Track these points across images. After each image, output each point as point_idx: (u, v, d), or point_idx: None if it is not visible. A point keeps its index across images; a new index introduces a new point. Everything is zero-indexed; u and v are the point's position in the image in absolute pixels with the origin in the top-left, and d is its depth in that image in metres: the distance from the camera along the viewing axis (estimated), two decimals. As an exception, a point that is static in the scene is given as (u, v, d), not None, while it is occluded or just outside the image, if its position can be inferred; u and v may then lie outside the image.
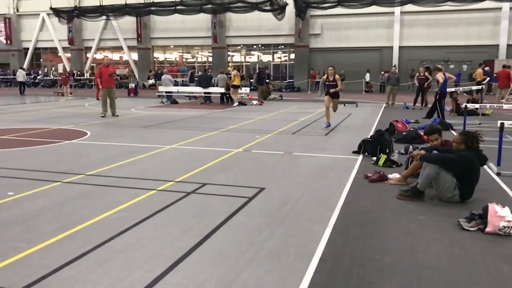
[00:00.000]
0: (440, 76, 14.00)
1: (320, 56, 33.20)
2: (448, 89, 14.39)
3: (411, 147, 7.72)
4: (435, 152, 5.41)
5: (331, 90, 11.55)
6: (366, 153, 7.74)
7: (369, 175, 6.19)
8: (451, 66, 30.44)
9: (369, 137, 8.32)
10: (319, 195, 5.40)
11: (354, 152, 8.00)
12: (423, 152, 5.42)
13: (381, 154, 7.28)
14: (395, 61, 30.68)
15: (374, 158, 7.30)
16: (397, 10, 30.35)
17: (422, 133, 8.69)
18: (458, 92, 16.00)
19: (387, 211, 4.82)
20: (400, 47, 31.50)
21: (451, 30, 30.02)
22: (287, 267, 3.43)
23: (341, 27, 32.40)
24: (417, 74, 19.02)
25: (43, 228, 4.19)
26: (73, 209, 4.79)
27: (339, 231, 4.19)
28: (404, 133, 9.72)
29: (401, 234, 4.14)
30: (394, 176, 6.13)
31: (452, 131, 10.66)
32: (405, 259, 3.59)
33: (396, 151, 7.66)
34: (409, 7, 28.16)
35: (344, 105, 19.05)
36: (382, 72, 29.51)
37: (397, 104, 18.97)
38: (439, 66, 16.93)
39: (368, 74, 30.80)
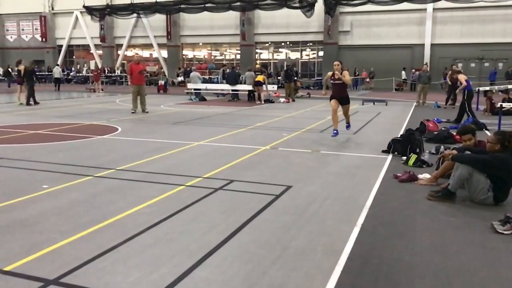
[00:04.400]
0: (462, 78, 13.73)
1: (349, 53, 32.80)
2: (482, 88, 14.00)
3: (442, 147, 7.56)
4: (468, 152, 5.27)
5: (338, 96, 9.25)
6: (396, 153, 7.61)
7: (398, 175, 6.08)
8: (486, 64, 29.57)
9: (399, 136, 8.18)
10: (347, 194, 5.34)
11: (383, 151, 7.88)
12: (455, 152, 5.29)
13: (411, 153, 7.15)
14: (427, 59, 29.99)
15: (404, 158, 7.17)
16: (429, 6, 29.62)
17: (455, 133, 8.49)
18: (494, 91, 15.52)
19: (416, 212, 4.73)
20: (432, 45, 30.76)
21: (487, 26, 29.08)
22: (314, 265, 3.41)
23: (371, 24, 31.91)
24: (450, 72, 18.55)
25: (75, 221, 4.32)
26: (104, 203, 4.91)
27: (367, 230, 4.14)
28: (435, 133, 9.51)
29: (431, 236, 4.05)
30: (425, 176, 6.00)
31: (486, 131, 10.35)
32: (436, 261, 3.52)
33: (427, 151, 7.50)
34: (442, 3, 27.43)
35: (374, 103, 18.81)
36: (413, 70, 28.93)
37: (428, 103, 18.55)
38: (458, 69, 16.79)
39: (403, 72, 30.27)
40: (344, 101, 9.30)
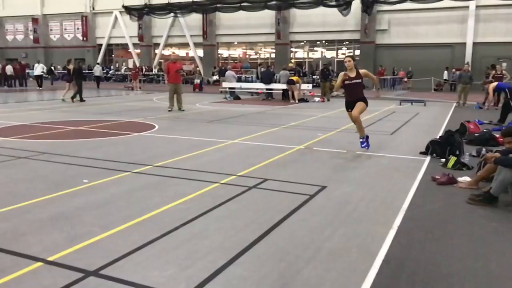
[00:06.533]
0: (491, 88, 13.34)
1: (387, 52, 32.17)
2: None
3: (484, 149, 7.30)
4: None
5: (355, 99, 7.58)
6: (434, 154, 7.41)
7: (437, 177, 5.92)
8: (532, 63, 28.26)
9: (437, 137, 7.96)
10: (383, 196, 5.25)
11: (421, 153, 7.69)
12: (498, 154, 5.09)
13: (451, 155, 6.94)
14: (468, 58, 28.99)
15: (443, 160, 6.97)
16: (472, 4, 28.60)
17: (498, 135, 8.18)
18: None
19: (456, 216, 4.59)
20: (474, 43, 29.69)
21: (534, 24, 27.82)
22: (348, 266, 3.38)
23: (409, 22, 31.16)
24: (493, 72, 17.89)
25: (114, 215, 4.45)
26: (141, 198, 5.03)
27: (404, 233, 4.05)
28: (476, 135, 9.19)
29: (471, 241, 3.93)
30: (465, 179, 5.81)
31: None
32: (476, 267, 3.41)
33: (467, 153, 7.27)
34: (486, 0, 26.45)
35: (411, 103, 18.37)
36: (453, 70, 28.06)
37: (469, 103, 17.95)
38: (500, 72, 16.30)
39: (446, 72, 29.40)
40: (360, 98, 7.61)
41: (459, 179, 5.83)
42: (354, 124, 7.78)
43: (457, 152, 7.15)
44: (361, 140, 7.65)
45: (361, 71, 7.61)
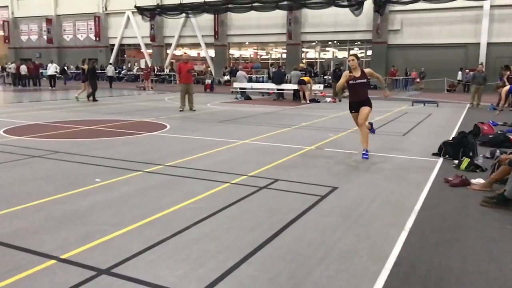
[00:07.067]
0: (504, 91, 13.09)
1: (399, 53, 31.93)
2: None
3: (498, 151, 7.22)
4: (526, 157, 5.00)
5: (359, 99, 7.23)
6: (447, 156, 7.33)
7: (450, 179, 5.86)
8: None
9: (450, 138, 7.87)
10: (395, 197, 5.21)
11: (433, 154, 7.62)
12: (512, 156, 5.03)
13: (464, 157, 6.86)
14: (482, 58, 28.64)
15: (456, 162, 6.90)
16: (486, 3, 28.24)
17: (512, 137, 8.07)
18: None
19: (469, 218, 4.54)
20: (489, 44, 29.32)
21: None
22: (360, 268, 3.36)
23: (422, 22, 30.89)
24: (507, 72, 17.65)
25: (126, 214, 4.48)
26: (153, 197, 5.06)
27: (416, 235, 4.02)
28: (490, 136, 9.07)
29: (485, 243, 3.88)
30: (478, 181, 5.74)
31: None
32: (490, 270, 3.36)
33: (481, 155, 7.18)
34: (501, 0, 26.10)
35: (424, 104, 18.21)
36: (467, 71, 27.75)
37: (482, 104, 17.74)
38: None
39: (460, 72, 29.06)
40: (364, 103, 7.23)
41: (473, 181, 5.76)
42: (359, 128, 7.39)
43: (471, 154, 7.07)
44: (364, 151, 7.13)
45: (366, 70, 7.23)
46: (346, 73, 7.25)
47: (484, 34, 29.34)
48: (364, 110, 7.13)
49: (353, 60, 7.07)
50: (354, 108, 7.30)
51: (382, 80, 7.07)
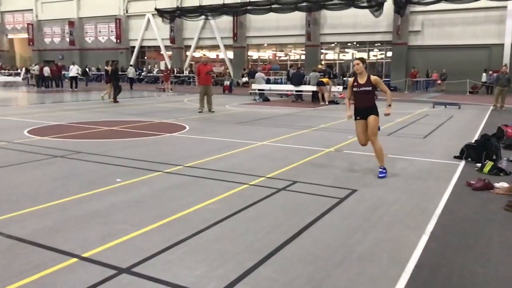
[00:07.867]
0: None
1: (420, 54, 31.49)
2: None
3: (522, 154, 7.04)
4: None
5: (363, 106, 6.43)
6: (469, 159, 7.20)
7: (472, 182, 5.75)
8: None
9: (473, 141, 7.73)
10: (416, 200, 5.14)
11: (455, 157, 7.49)
12: (538, 160, 4.91)
13: (487, 160, 6.73)
14: (506, 59, 28.00)
15: (479, 165, 6.77)
16: (510, 4, 27.63)
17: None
18: None
19: (492, 223, 4.45)
20: (513, 44, 28.69)
21: None
22: (379, 271, 3.32)
23: (444, 23, 30.41)
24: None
25: (145, 214, 4.53)
26: (172, 197, 5.11)
27: (437, 239, 3.96)
28: (514, 139, 8.87)
29: (508, 249, 3.79)
30: (502, 185, 5.62)
31: None
32: (513, 276, 3.29)
33: (505, 158, 7.02)
34: (525, 0, 25.55)
35: (445, 106, 17.92)
36: (490, 72, 27.18)
37: (507, 107, 17.36)
38: None
39: (484, 74, 28.49)
40: (370, 112, 6.42)
41: (496, 184, 5.65)
42: (360, 143, 6.65)
43: (494, 157, 6.93)
44: (380, 169, 6.33)
45: (372, 78, 6.39)
46: (350, 81, 6.65)
47: (508, 34, 28.70)
48: (372, 122, 6.36)
49: (358, 64, 6.38)
50: (359, 114, 6.51)
51: (389, 95, 6.55)
